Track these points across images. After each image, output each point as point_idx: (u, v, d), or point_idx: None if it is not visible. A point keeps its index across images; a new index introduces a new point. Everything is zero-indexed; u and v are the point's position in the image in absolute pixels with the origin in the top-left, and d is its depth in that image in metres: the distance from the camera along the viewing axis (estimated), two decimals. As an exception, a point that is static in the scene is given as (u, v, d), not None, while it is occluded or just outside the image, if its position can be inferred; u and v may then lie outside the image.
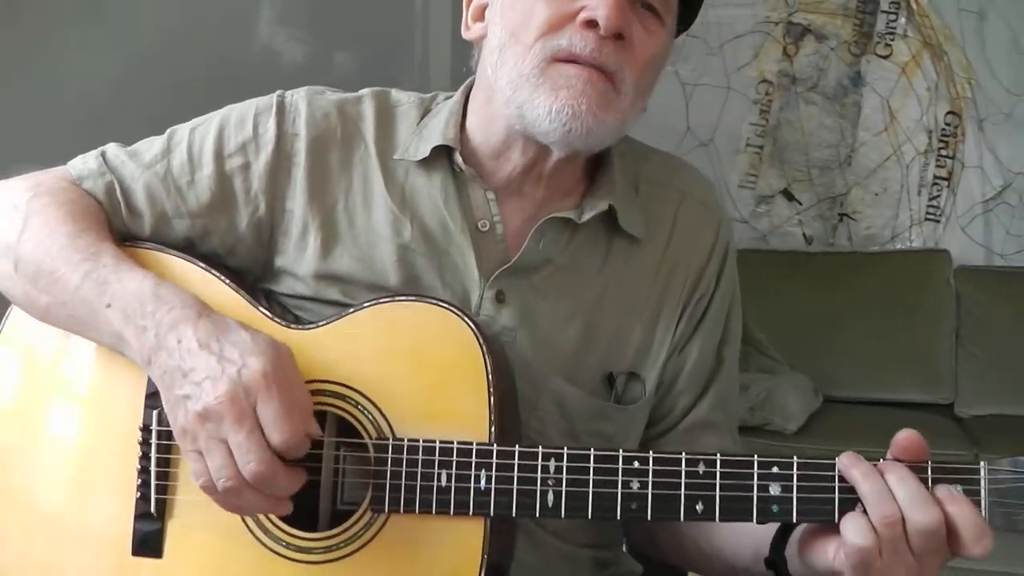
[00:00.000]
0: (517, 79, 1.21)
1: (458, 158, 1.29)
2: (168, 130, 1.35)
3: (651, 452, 1.10)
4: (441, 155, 1.30)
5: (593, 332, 1.30)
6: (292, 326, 1.20)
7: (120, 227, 1.30)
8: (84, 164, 1.33)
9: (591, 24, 1.18)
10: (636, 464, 1.10)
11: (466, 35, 1.34)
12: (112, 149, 1.34)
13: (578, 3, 1.19)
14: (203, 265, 1.25)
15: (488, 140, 1.30)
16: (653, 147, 1.43)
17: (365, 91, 1.38)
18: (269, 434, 1.05)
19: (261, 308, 1.22)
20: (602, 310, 1.31)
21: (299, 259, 1.29)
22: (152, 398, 1.18)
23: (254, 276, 1.33)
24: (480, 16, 1.32)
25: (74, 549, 1.21)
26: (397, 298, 1.18)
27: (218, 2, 3.14)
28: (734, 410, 1.41)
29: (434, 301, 1.17)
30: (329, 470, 1.17)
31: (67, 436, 1.25)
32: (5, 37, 2.55)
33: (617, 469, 1.10)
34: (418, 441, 1.12)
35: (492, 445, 1.12)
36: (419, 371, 1.15)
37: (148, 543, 1.19)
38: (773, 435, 3.74)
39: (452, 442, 1.12)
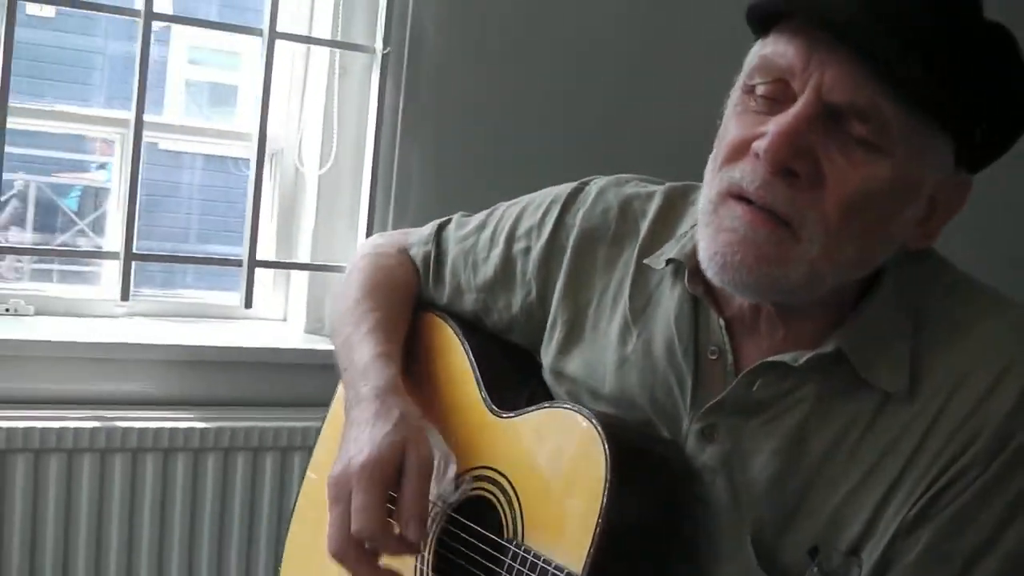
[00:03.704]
0: (702, 208, 1.08)
1: (687, 277, 1.15)
2: (498, 204, 1.41)
3: None
4: (683, 268, 1.16)
5: (810, 498, 1.08)
6: (502, 414, 1.24)
7: (426, 294, 1.44)
8: (423, 231, 1.47)
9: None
10: None
11: None
12: (455, 218, 1.45)
13: (761, 128, 1.01)
14: (462, 336, 1.36)
15: None
16: (966, 276, 1.14)
17: (666, 185, 1.29)
18: (353, 519, 1.11)
19: (483, 391, 1.28)
20: (830, 473, 1.07)
21: (546, 352, 1.30)
22: None
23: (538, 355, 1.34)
24: None
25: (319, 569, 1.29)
26: (563, 405, 1.18)
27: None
28: None
29: (580, 411, 1.14)
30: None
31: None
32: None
33: None
34: (529, 555, 1.13)
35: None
36: (556, 479, 1.15)
37: None
38: None
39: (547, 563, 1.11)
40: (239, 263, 2.25)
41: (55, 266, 2.66)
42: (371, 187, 2.30)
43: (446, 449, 1.24)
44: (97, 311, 2.25)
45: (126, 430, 2.01)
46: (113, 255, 2.17)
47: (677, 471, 1.13)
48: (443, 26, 2.36)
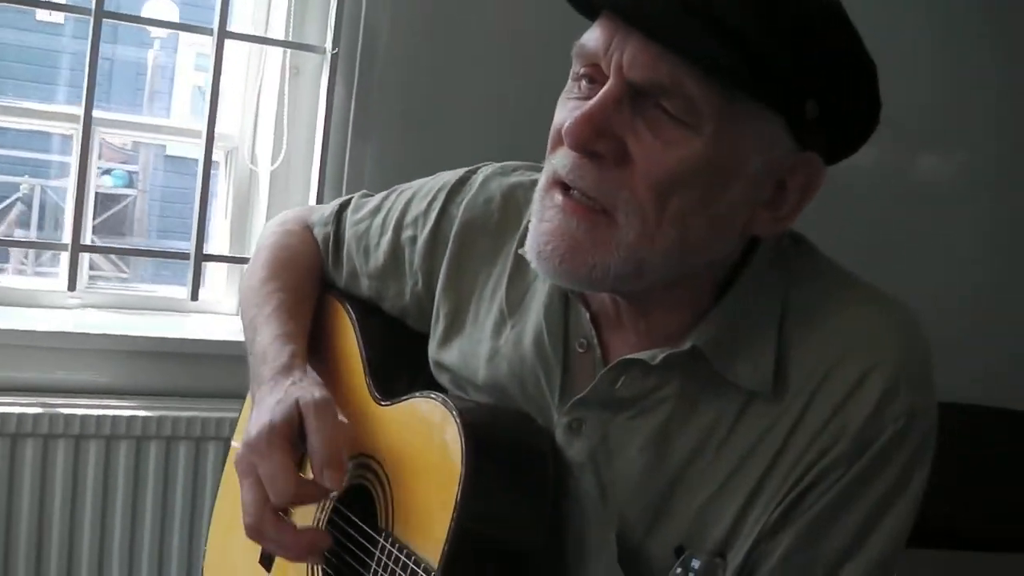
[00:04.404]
0: (534, 199, 1.07)
1: None
2: (394, 187, 1.40)
3: None
4: None
5: (676, 497, 1.07)
6: (382, 402, 1.23)
7: (327, 275, 1.43)
8: (325, 209, 1.45)
9: None
10: None
11: None
12: (355, 199, 1.43)
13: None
14: (356, 321, 1.35)
15: None
16: (836, 267, 1.12)
17: None
18: (268, 490, 1.10)
19: (368, 377, 1.27)
20: (695, 473, 1.06)
21: (431, 342, 1.29)
22: None
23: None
24: None
25: (239, 545, 1.31)
26: (430, 395, 1.15)
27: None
28: None
29: (443, 401, 1.12)
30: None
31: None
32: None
33: None
34: (395, 547, 1.13)
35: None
36: (420, 469, 1.14)
37: (265, 556, 1.31)
38: None
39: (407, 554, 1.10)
40: (186, 256, 2.30)
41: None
42: (319, 184, 2.33)
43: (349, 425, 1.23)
44: (52, 302, 2.30)
45: (68, 416, 2.06)
46: (62, 246, 2.22)
47: (544, 464, 1.12)
48: (396, 27, 2.39)
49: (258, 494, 1.11)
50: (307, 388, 1.16)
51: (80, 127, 2.16)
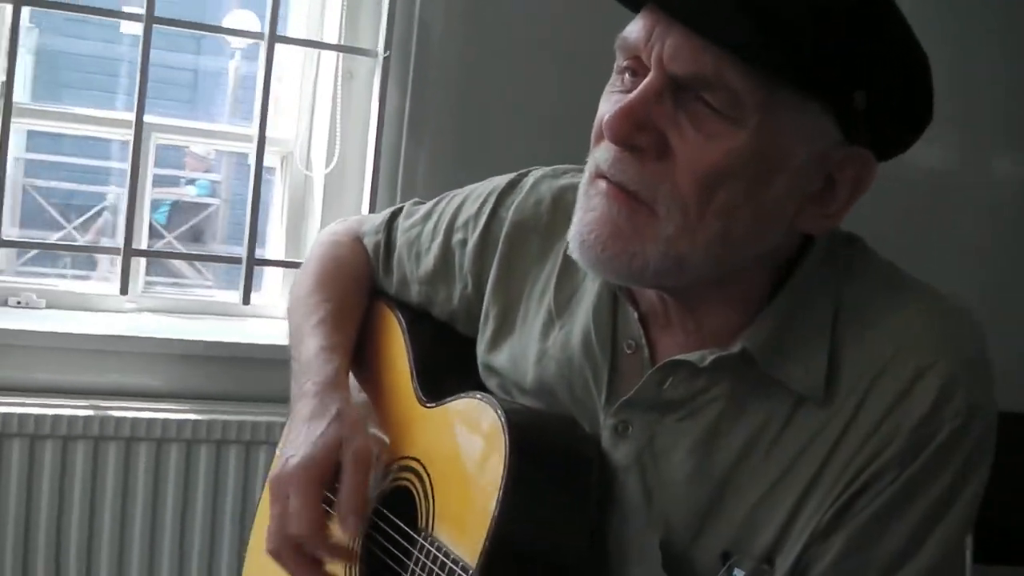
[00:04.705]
0: (578, 193, 1.06)
1: None
2: (446, 193, 1.39)
3: None
4: None
5: (724, 501, 1.04)
6: (427, 404, 1.23)
7: (377, 283, 1.42)
8: (376, 218, 1.44)
9: None
10: None
11: None
12: (407, 207, 1.42)
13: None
14: (404, 326, 1.34)
15: None
16: (891, 267, 1.08)
17: None
18: (290, 523, 1.12)
19: (415, 380, 1.27)
20: (743, 477, 1.03)
21: (480, 345, 1.27)
22: None
23: None
24: None
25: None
26: (476, 396, 1.15)
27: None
28: None
29: (490, 402, 1.11)
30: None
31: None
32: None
33: None
34: (434, 547, 1.12)
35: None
36: (464, 471, 1.13)
37: None
38: None
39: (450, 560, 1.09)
40: (239, 261, 2.30)
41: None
42: (372, 188, 2.33)
43: (384, 442, 1.24)
44: (107, 306, 2.32)
45: (119, 419, 2.07)
46: (115, 250, 2.24)
47: (588, 469, 1.09)
48: (448, 29, 2.38)
49: (283, 524, 1.13)
50: (353, 429, 1.18)
51: (132, 132, 2.18)
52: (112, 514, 2.09)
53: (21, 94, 4.26)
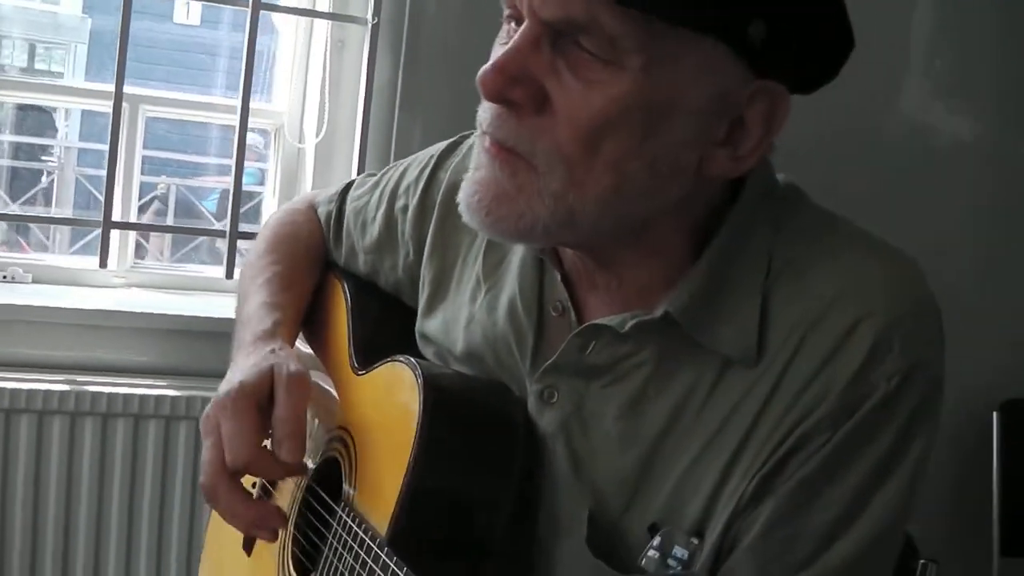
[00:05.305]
0: None
1: None
2: (394, 163, 1.35)
3: None
4: None
5: (653, 470, 0.98)
6: (358, 371, 1.19)
7: (329, 254, 1.39)
8: (331, 190, 1.41)
9: None
10: None
11: None
12: (360, 178, 1.39)
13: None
14: (348, 296, 1.30)
15: None
16: (832, 217, 1.01)
17: None
18: (225, 450, 1.05)
19: (351, 349, 1.22)
20: (671, 445, 0.97)
21: (418, 314, 1.24)
22: None
23: None
24: None
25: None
26: (398, 359, 1.10)
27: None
28: None
29: (409, 365, 1.06)
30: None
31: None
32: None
33: None
34: (348, 517, 1.08)
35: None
36: (382, 437, 1.09)
37: (248, 541, 1.25)
38: None
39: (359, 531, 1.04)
40: (223, 234, 2.26)
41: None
42: (359, 160, 2.27)
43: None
44: (95, 281, 2.30)
45: (95, 394, 2.05)
46: (96, 223, 2.21)
47: (512, 434, 1.03)
48: (444, -3, 2.31)
49: (217, 454, 1.06)
50: (284, 359, 1.11)
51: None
52: (89, 490, 2.07)
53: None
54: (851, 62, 0.94)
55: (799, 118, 0.96)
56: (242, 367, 1.11)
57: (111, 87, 2.19)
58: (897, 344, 0.90)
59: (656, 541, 0.96)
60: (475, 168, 0.95)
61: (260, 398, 1.07)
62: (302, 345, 1.34)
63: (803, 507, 0.91)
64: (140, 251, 2.96)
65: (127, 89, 2.20)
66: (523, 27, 0.89)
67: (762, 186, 0.98)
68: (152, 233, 3.24)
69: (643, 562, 0.96)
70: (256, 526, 1.09)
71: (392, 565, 0.95)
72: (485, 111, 0.93)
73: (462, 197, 0.95)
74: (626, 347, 0.98)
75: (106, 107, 2.21)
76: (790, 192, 1.01)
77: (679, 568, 0.95)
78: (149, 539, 2.11)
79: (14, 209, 2.84)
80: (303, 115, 2.42)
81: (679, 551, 0.95)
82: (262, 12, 2.28)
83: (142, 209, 7.13)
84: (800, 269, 0.95)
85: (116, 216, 2.23)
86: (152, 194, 7.33)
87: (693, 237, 0.97)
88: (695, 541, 0.95)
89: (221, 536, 1.36)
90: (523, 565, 1.04)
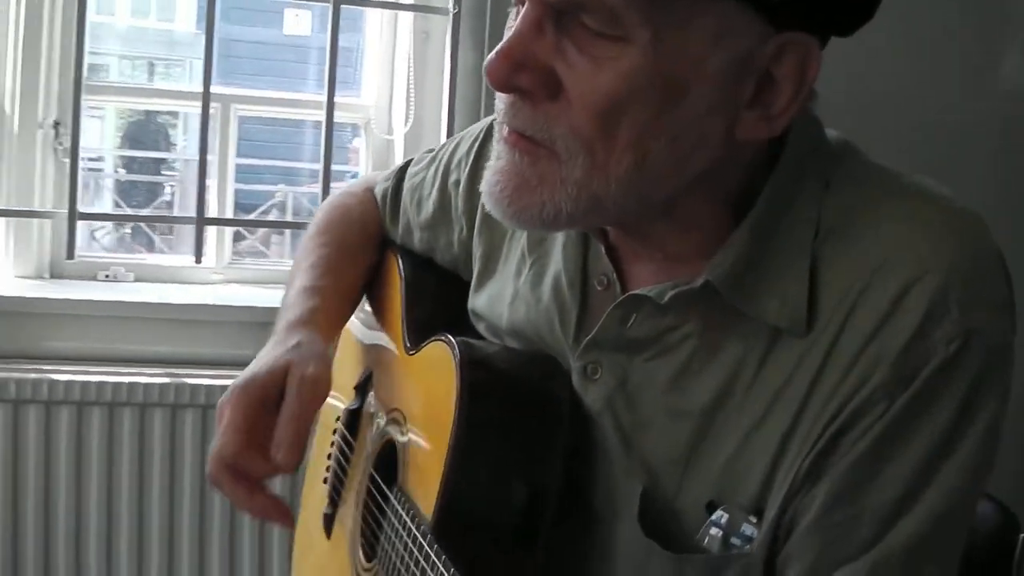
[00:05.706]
0: None
1: None
2: (453, 137, 1.33)
3: None
4: None
5: (705, 447, 0.93)
6: (409, 351, 1.17)
7: (386, 232, 1.37)
8: (389, 169, 1.40)
9: None
10: None
11: None
12: (419, 155, 1.37)
13: None
14: (403, 274, 1.29)
15: None
16: (887, 172, 0.94)
17: None
18: (218, 440, 1.04)
19: (404, 329, 1.21)
20: (723, 419, 0.93)
21: (470, 290, 1.22)
22: (360, 387, 1.28)
23: None
24: None
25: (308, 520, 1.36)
26: (440, 338, 1.08)
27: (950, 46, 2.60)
28: None
29: (449, 343, 1.04)
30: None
31: (323, 420, 1.39)
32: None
33: None
34: (400, 502, 1.06)
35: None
36: (428, 418, 1.07)
37: (327, 523, 1.28)
38: None
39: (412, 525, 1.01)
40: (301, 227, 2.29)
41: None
42: (445, 147, 2.28)
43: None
44: (193, 279, 2.35)
45: (194, 387, 2.10)
46: (189, 220, 2.27)
47: (556, 410, 0.99)
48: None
49: (214, 443, 1.05)
50: (306, 356, 1.09)
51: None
52: (191, 481, 2.13)
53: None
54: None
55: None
56: (264, 358, 1.09)
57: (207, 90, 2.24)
58: (954, 307, 0.84)
59: (720, 518, 0.91)
60: (496, 157, 0.92)
61: (268, 395, 1.05)
62: (360, 324, 1.34)
63: (861, 486, 0.85)
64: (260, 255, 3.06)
65: (218, 89, 2.25)
66: (524, 10, 0.85)
67: (808, 143, 0.92)
68: (272, 237, 3.29)
69: (706, 541, 0.92)
70: (264, 515, 1.08)
71: (433, 555, 0.93)
72: (500, 100, 0.90)
73: (485, 187, 0.92)
74: (668, 319, 0.94)
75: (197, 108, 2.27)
76: (841, 147, 0.95)
77: (744, 546, 0.90)
78: (221, 524, 2.16)
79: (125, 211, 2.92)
80: (391, 107, 2.44)
81: (748, 528, 0.90)
82: (352, 10, 2.30)
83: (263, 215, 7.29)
84: (851, 228, 0.89)
85: (211, 213, 2.28)
86: (270, 202, 7.50)
87: (731, 203, 0.92)
88: (753, 519, 0.90)
89: (310, 514, 1.37)
90: (577, 547, 1.00)
